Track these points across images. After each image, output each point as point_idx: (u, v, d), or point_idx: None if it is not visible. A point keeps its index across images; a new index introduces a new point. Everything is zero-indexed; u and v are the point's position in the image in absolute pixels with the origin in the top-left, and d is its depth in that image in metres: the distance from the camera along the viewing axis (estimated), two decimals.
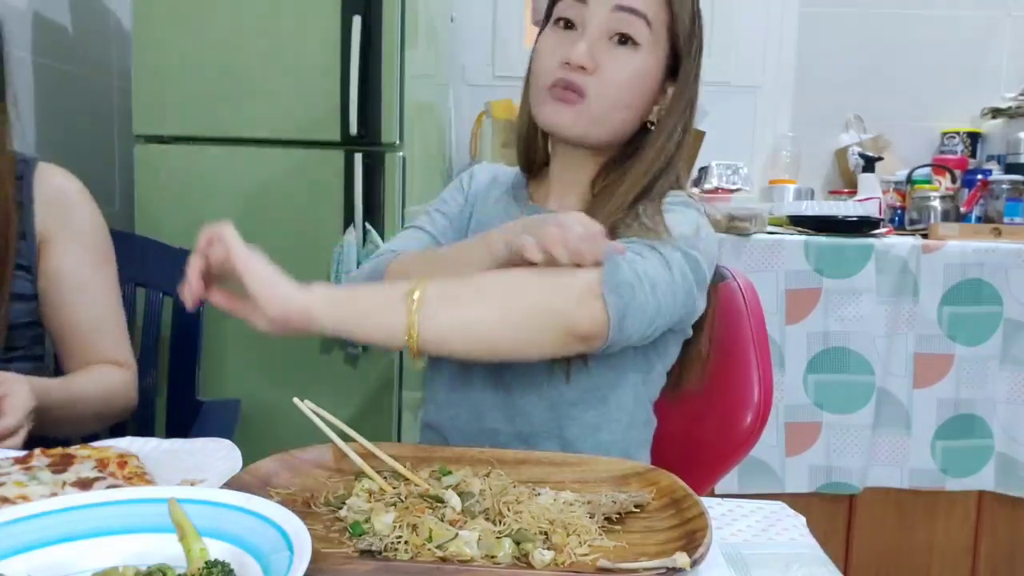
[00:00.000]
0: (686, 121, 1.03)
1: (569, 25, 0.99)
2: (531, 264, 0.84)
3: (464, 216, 1.14)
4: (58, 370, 1.23)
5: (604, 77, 0.97)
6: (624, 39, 0.97)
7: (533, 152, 1.10)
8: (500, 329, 0.81)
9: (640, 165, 0.99)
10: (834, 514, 2.05)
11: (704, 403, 1.11)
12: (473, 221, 1.12)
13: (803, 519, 0.72)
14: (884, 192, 2.27)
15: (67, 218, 1.17)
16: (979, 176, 2.22)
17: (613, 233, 0.94)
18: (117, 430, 1.40)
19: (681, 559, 0.54)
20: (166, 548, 0.55)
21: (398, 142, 1.67)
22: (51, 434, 1.08)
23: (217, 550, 0.53)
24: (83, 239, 1.18)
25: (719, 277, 1.15)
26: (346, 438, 0.76)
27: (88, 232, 1.19)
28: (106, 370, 1.17)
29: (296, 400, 0.81)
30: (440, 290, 0.80)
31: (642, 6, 0.96)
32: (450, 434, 1.03)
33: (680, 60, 1.01)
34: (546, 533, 0.60)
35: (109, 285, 1.21)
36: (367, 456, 0.74)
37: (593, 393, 0.97)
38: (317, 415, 0.79)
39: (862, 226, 1.98)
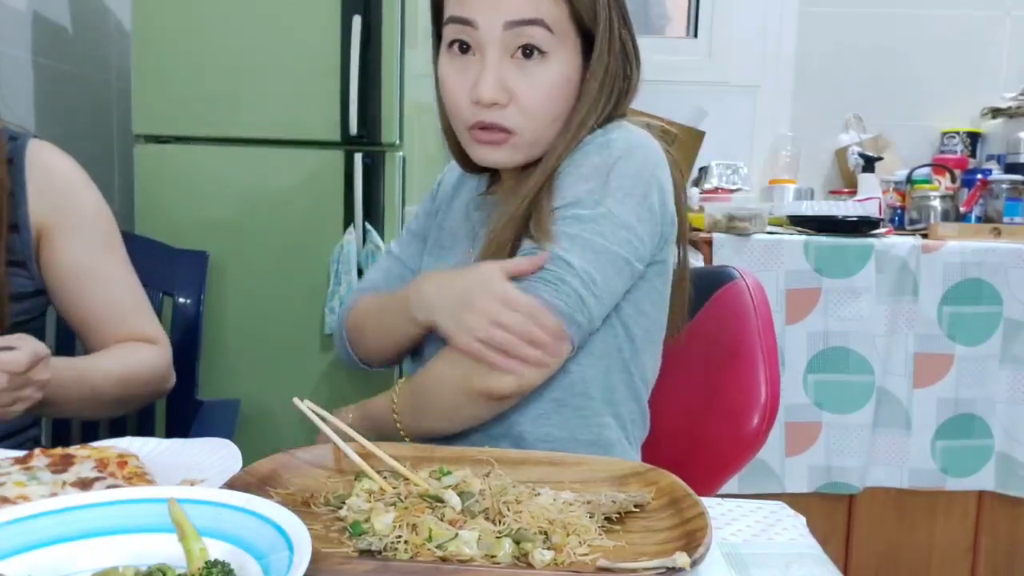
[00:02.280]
0: (621, 76, 0.95)
1: (464, 47, 0.91)
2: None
3: (432, 224, 1.12)
4: None
5: (522, 103, 0.90)
6: (528, 51, 0.89)
7: (470, 160, 1.03)
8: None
9: (572, 132, 0.93)
10: (834, 514, 2.05)
11: (709, 403, 1.10)
12: (436, 229, 1.11)
13: (803, 519, 0.71)
14: (884, 192, 2.27)
15: (67, 204, 1.08)
16: (979, 176, 2.22)
17: (541, 192, 0.92)
18: (117, 430, 1.40)
19: (681, 559, 0.54)
20: (166, 548, 0.54)
21: (398, 142, 1.67)
22: (71, 416, 1.05)
23: (217, 550, 0.53)
24: (87, 225, 1.10)
25: (727, 277, 1.13)
26: (346, 438, 0.76)
27: (91, 216, 1.11)
28: (129, 347, 1.10)
29: (296, 400, 0.81)
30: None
31: (534, 12, 0.87)
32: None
33: (593, 36, 0.92)
34: (546, 533, 0.60)
35: (122, 266, 1.13)
36: (367, 456, 0.74)
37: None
38: (317, 415, 0.79)
39: (862, 226, 1.98)
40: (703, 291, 1.14)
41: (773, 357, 1.08)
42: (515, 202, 0.93)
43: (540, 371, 0.87)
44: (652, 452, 1.06)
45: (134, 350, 1.10)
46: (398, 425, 0.95)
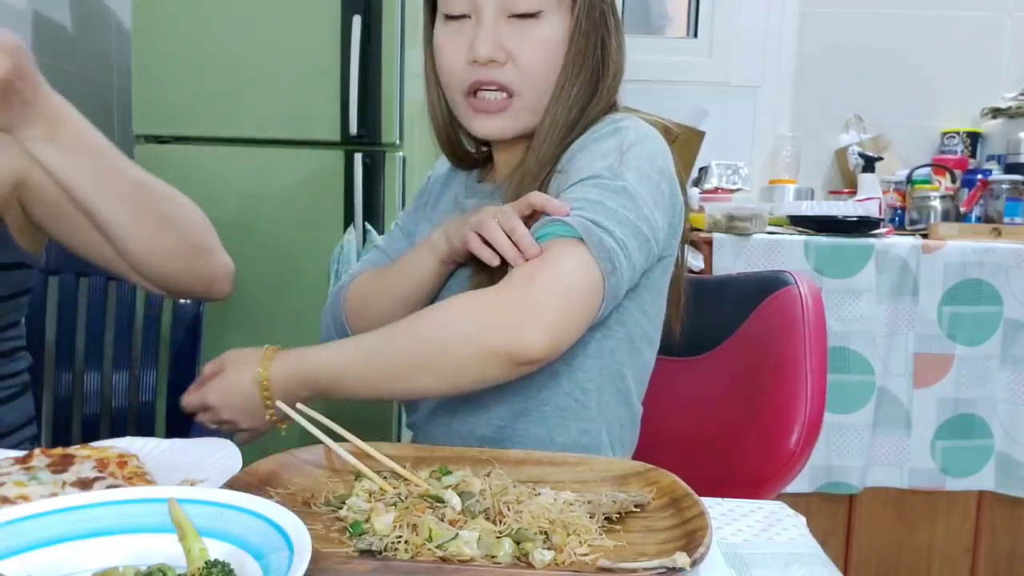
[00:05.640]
0: (597, 44, 0.93)
1: (461, 14, 0.92)
2: (473, 257, 0.87)
3: (422, 218, 1.10)
4: (33, 351, 1.16)
5: (519, 62, 0.90)
6: (523, 14, 0.89)
7: (460, 148, 1.03)
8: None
9: (556, 105, 0.92)
10: (834, 514, 2.05)
11: (748, 418, 1.04)
12: (425, 223, 1.08)
13: (803, 519, 0.71)
14: (884, 192, 2.27)
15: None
16: (979, 176, 2.22)
17: (545, 185, 0.91)
18: (117, 430, 1.40)
19: (681, 559, 0.54)
20: (166, 548, 0.54)
21: (398, 142, 1.67)
22: (87, 205, 0.87)
23: (217, 550, 0.53)
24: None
25: (780, 283, 1.07)
26: (341, 439, 0.75)
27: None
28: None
29: (279, 403, 0.81)
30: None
31: None
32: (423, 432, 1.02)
33: None
34: (546, 533, 0.60)
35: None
36: (366, 457, 0.74)
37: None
38: (307, 417, 0.78)
39: (862, 226, 1.98)
40: (753, 297, 1.09)
41: (820, 372, 1.00)
42: (517, 179, 0.92)
43: (570, 335, 0.79)
44: (688, 466, 0.94)
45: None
46: (355, 385, 0.83)
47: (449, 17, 0.93)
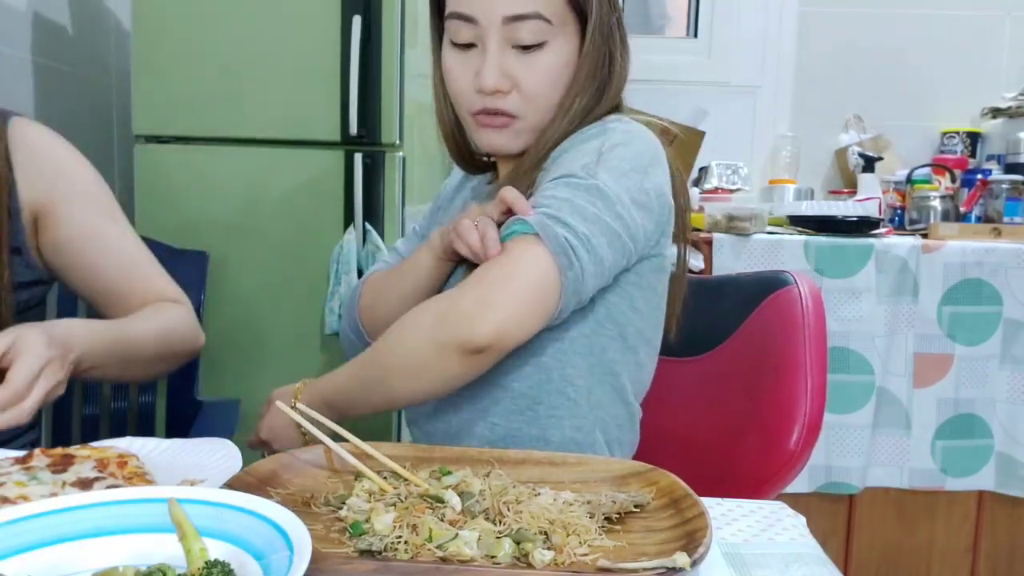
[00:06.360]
0: (605, 59, 0.95)
1: (467, 43, 0.94)
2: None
3: (434, 222, 1.14)
4: None
5: (524, 90, 0.93)
6: (528, 45, 0.92)
7: (467, 152, 1.06)
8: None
9: (561, 117, 0.94)
10: (834, 514, 2.05)
11: (749, 418, 1.04)
12: (436, 227, 1.09)
13: (803, 519, 0.71)
14: (884, 192, 2.27)
15: (64, 181, 1.04)
16: (979, 176, 2.22)
17: (534, 183, 0.92)
18: (117, 430, 1.40)
19: (681, 559, 0.54)
20: (166, 548, 0.54)
21: (398, 142, 1.67)
22: (114, 380, 1.05)
23: (217, 550, 0.53)
24: (86, 196, 1.07)
25: (780, 283, 1.08)
26: (341, 439, 0.76)
27: (88, 187, 1.07)
28: (161, 306, 1.08)
29: (280, 404, 0.81)
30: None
31: (531, 7, 0.89)
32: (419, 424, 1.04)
33: (587, 15, 0.93)
34: (546, 533, 0.60)
35: (130, 232, 1.11)
36: (366, 457, 0.74)
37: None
38: (307, 418, 0.78)
39: (862, 226, 1.98)
40: (753, 297, 1.09)
41: (820, 372, 1.00)
42: (539, 148, 0.95)
43: (520, 326, 0.81)
44: (688, 466, 0.94)
45: (164, 308, 1.08)
46: (357, 403, 0.90)
47: (455, 44, 0.95)
